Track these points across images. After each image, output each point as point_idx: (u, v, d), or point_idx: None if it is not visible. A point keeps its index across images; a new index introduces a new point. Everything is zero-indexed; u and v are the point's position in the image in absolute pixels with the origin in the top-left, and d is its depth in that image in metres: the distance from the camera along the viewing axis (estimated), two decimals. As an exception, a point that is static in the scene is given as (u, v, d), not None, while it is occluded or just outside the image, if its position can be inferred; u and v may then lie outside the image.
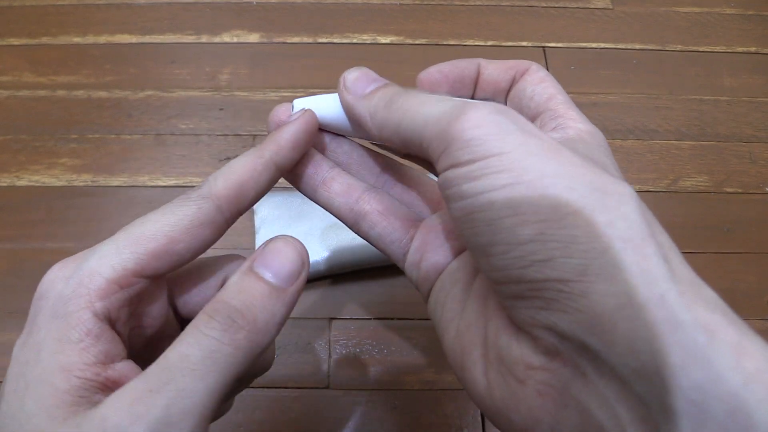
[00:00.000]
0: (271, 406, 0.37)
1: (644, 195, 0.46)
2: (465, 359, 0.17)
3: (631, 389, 0.12)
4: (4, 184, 0.45)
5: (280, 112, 0.21)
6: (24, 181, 0.45)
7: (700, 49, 0.54)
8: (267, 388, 0.38)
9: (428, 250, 0.20)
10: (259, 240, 0.41)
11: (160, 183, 0.45)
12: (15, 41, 0.53)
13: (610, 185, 0.14)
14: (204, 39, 0.53)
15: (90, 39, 0.53)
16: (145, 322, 0.18)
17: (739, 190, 0.46)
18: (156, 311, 0.18)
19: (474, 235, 0.15)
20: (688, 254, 0.43)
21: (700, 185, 0.46)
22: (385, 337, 0.40)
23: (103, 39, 0.53)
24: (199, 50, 0.53)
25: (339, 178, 0.21)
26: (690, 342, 0.12)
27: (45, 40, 0.53)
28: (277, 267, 0.17)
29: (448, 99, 0.17)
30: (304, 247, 0.18)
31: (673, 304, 0.12)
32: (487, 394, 0.16)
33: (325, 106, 0.21)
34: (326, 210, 0.22)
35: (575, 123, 0.18)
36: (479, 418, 0.37)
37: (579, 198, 0.14)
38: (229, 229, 0.19)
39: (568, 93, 0.20)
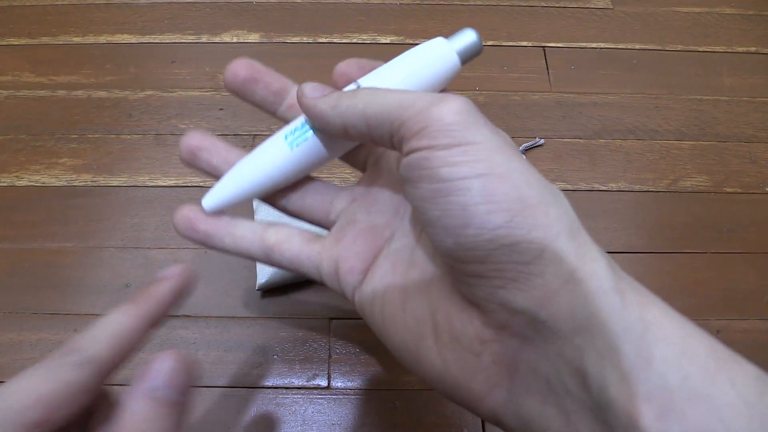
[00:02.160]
0: (271, 407, 0.37)
1: (644, 195, 0.46)
2: (419, 349, 0.19)
3: (570, 344, 0.15)
4: (4, 184, 0.45)
5: (238, 66, 0.24)
6: (24, 181, 0.45)
7: (700, 49, 0.54)
8: (267, 388, 0.38)
9: (341, 259, 0.22)
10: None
11: (160, 183, 0.45)
12: (15, 41, 0.53)
13: (550, 184, 0.17)
14: (204, 39, 0.53)
15: (90, 39, 0.53)
16: None
17: (739, 190, 0.46)
18: None
19: (445, 217, 0.16)
20: (688, 254, 0.43)
21: (700, 185, 0.46)
22: (385, 337, 0.40)
23: (103, 39, 0.53)
24: (199, 50, 0.53)
25: (240, 224, 0.24)
26: (610, 303, 0.15)
27: (45, 40, 0.53)
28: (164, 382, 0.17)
29: (414, 91, 0.18)
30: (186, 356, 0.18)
31: (601, 277, 0.16)
32: (445, 373, 0.18)
33: (241, 182, 0.23)
34: (237, 252, 0.24)
35: None
36: (479, 418, 0.37)
37: (536, 194, 0.16)
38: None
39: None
